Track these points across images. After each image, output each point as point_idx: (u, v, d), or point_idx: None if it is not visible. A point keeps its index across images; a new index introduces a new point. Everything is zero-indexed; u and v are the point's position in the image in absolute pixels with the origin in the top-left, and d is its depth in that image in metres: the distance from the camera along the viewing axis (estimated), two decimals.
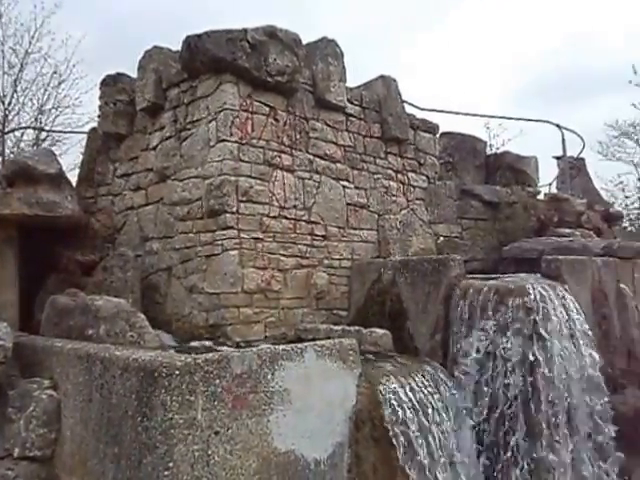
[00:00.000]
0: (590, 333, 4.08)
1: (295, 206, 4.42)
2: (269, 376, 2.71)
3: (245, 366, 2.64)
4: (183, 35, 4.23)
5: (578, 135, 8.91)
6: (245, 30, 4.12)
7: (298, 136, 4.50)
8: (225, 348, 3.55)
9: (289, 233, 4.36)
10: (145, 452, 2.34)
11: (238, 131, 4.10)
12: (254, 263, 4.10)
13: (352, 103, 4.98)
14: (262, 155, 4.23)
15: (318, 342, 3.03)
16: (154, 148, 4.78)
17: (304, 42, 4.58)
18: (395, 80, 5.41)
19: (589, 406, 3.89)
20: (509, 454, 3.51)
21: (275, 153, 4.32)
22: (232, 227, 4.02)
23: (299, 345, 2.92)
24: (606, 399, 4.01)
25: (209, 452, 2.44)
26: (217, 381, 2.51)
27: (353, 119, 4.99)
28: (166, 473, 2.29)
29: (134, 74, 4.97)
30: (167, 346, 3.82)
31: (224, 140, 4.06)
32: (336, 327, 4.03)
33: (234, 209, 4.04)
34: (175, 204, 4.50)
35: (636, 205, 10.85)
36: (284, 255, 4.30)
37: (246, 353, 2.69)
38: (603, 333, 4.59)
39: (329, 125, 4.76)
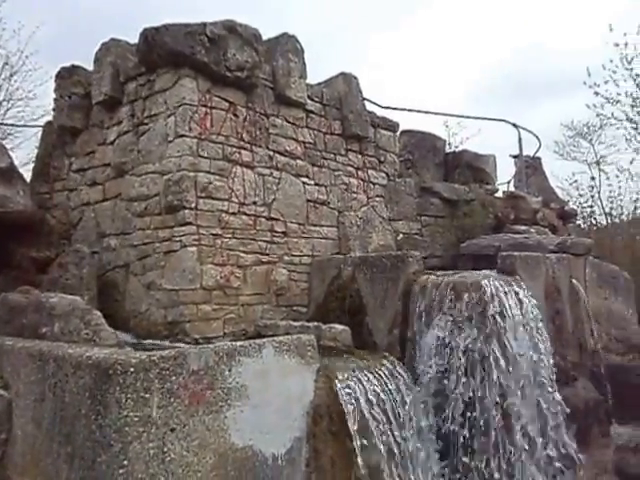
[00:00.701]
0: (543, 327, 4.20)
1: (255, 202, 4.41)
2: (226, 372, 2.70)
3: (202, 362, 2.63)
4: (141, 28, 4.17)
5: (534, 135, 9.15)
6: (204, 24, 4.09)
7: (258, 132, 4.49)
8: (183, 345, 3.52)
9: (249, 229, 4.35)
10: (99, 451, 2.31)
11: (197, 126, 4.07)
12: (213, 259, 4.07)
13: (313, 100, 4.99)
14: (221, 151, 4.21)
15: (276, 338, 3.04)
16: (111, 143, 4.70)
17: (264, 38, 4.57)
18: (356, 77, 5.45)
19: (542, 398, 4.01)
20: (466, 447, 3.59)
21: (235, 149, 4.30)
22: (191, 223, 3.98)
23: (257, 341, 2.92)
24: (558, 391, 4.14)
25: (165, 449, 2.42)
26: (173, 378, 2.50)
27: (314, 116, 5.00)
28: (121, 471, 2.27)
29: (91, 67, 4.86)
30: (124, 343, 3.77)
31: (183, 135, 4.01)
32: (295, 323, 4.04)
33: (193, 205, 4.01)
34: (133, 200, 4.43)
35: (589, 203, 11.18)
36: (244, 251, 4.29)
37: (203, 349, 2.68)
38: (556, 327, 4.73)
39: (289, 122, 4.77)
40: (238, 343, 2.84)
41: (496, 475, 3.49)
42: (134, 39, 4.38)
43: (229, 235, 4.20)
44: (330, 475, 3.03)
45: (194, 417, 2.55)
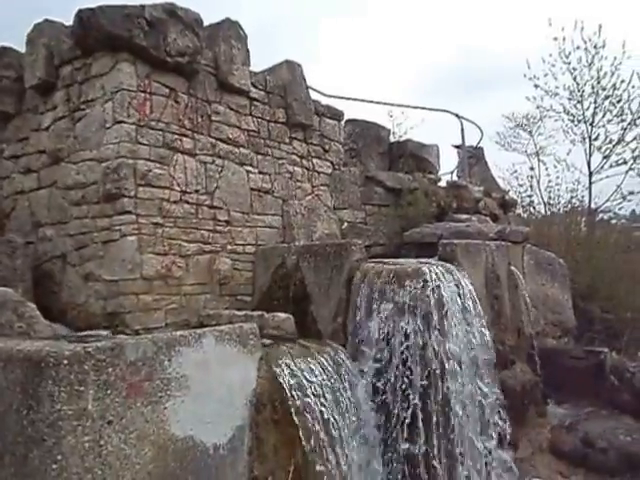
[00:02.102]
0: (483, 312, 4.33)
1: (197, 191, 4.34)
2: (166, 363, 2.67)
3: (140, 353, 2.58)
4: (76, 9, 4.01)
5: (476, 125, 9.36)
6: (143, 7, 3.97)
7: (200, 119, 4.41)
8: (122, 336, 3.45)
9: (191, 218, 4.28)
10: (31, 446, 2.25)
11: (136, 112, 3.95)
12: (154, 249, 3.99)
13: (256, 87, 4.94)
14: (162, 138, 4.11)
15: (217, 327, 3.03)
16: (46, 129, 4.51)
17: (206, 23, 4.48)
18: (300, 65, 5.42)
19: (481, 381, 4.14)
20: (407, 430, 3.66)
21: (176, 136, 4.21)
22: (130, 212, 3.89)
23: (197, 331, 2.90)
24: (497, 374, 4.28)
25: (101, 442, 2.38)
26: (110, 370, 2.45)
27: (257, 103, 4.95)
28: (54, 467, 2.22)
29: (23, 48, 4.64)
30: (60, 336, 3.66)
31: (121, 122, 3.90)
32: (239, 312, 4.01)
33: (132, 193, 3.90)
34: (70, 188, 4.27)
35: (529, 193, 11.55)
36: (186, 240, 4.22)
37: (141, 340, 2.63)
38: (495, 313, 4.89)
39: (232, 109, 4.70)
40: (178, 333, 2.81)
41: (435, 455, 3.58)
42: (70, 20, 4.21)
43: (170, 224, 4.13)
44: (273, 462, 3.05)
45: (132, 409, 2.51)
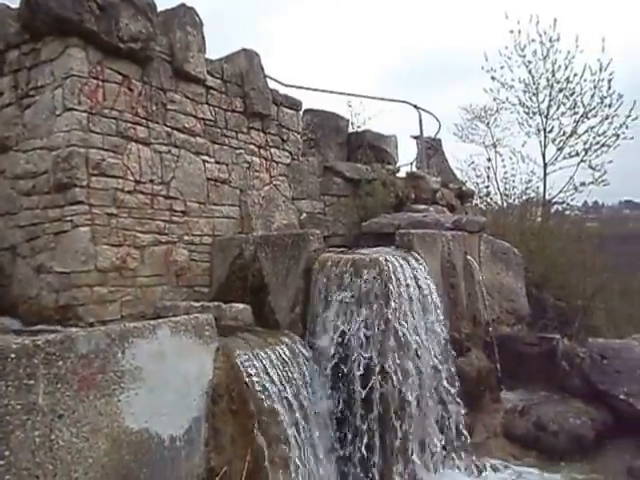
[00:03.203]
0: (439, 301, 4.40)
1: (152, 181, 4.26)
2: (119, 355, 2.63)
3: (92, 346, 2.53)
4: None
5: (434, 116, 9.46)
6: None
7: (155, 108, 4.32)
8: (73, 329, 3.37)
9: (146, 209, 4.20)
10: None
11: (87, 100, 3.84)
12: (108, 240, 3.90)
13: (213, 76, 4.86)
14: (115, 126, 4.01)
15: (173, 318, 2.99)
16: None
17: (161, 9, 4.38)
18: (258, 54, 5.37)
19: (438, 368, 4.22)
20: (364, 421, 3.71)
21: (129, 125, 4.11)
22: (82, 202, 3.79)
23: (152, 322, 2.86)
24: (453, 362, 4.37)
25: (52, 437, 2.33)
26: (60, 363, 2.40)
27: (214, 92, 4.88)
28: (1, 462, 2.16)
29: None
30: (9, 330, 3.55)
31: (72, 109, 3.78)
32: (196, 304, 3.98)
33: (84, 183, 3.80)
34: (19, 177, 4.13)
35: (486, 184, 11.77)
36: (141, 231, 4.14)
37: (93, 332, 2.58)
38: (451, 301, 4.98)
39: (188, 97, 4.62)
40: (132, 324, 2.76)
41: (392, 441, 3.65)
42: (16, 3, 4.06)
43: (125, 214, 4.04)
44: (230, 453, 3.04)
45: (84, 402, 2.47)
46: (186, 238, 4.51)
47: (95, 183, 3.86)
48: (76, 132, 3.79)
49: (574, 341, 6.06)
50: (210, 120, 4.82)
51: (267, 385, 3.21)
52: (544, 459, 4.44)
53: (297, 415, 3.34)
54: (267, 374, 3.25)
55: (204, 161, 4.73)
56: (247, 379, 3.13)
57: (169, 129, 4.43)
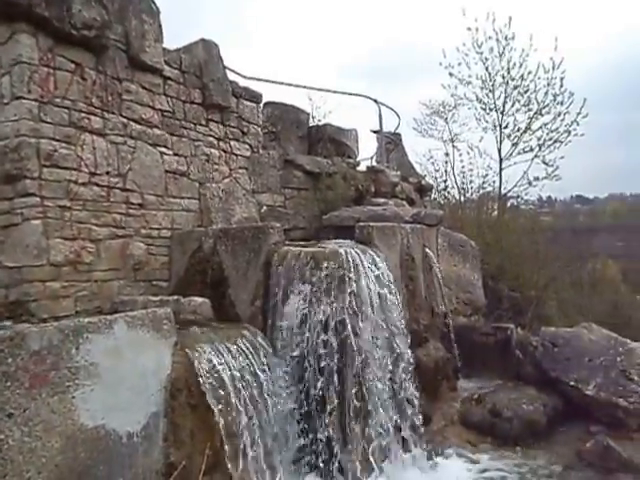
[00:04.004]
0: (398, 293, 4.45)
1: (108, 172, 4.16)
2: (73, 351, 2.57)
3: (44, 342, 2.47)
4: None
5: (394, 111, 9.52)
6: None
7: (110, 97, 4.21)
8: (25, 325, 3.27)
9: (101, 201, 4.09)
10: None
11: (38, 88, 3.71)
12: (61, 233, 3.79)
13: (170, 66, 4.77)
14: (68, 116, 3.89)
15: (129, 313, 2.94)
16: None
17: None
18: (217, 45, 5.29)
19: (397, 359, 4.27)
20: (325, 412, 3.73)
21: (83, 115, 4.00)
22: (33, 194, 3.66)
23: (108, 317, 2.80)
24: (411, 352, 4.43)
25: (1, 437, 2.26)
26: (9, 360, 2.33)
27: (172, 83, 4.78)
28: None
29: None
30: None
31: (20, 97, 3.64)
32: (154, 298, 3.91)
33: (35, 174, 3.68)
34: None
35: (444, 178, 11.96)
36: (96, 224, 4.04)
37: (46, 328, 2.52)
38: (410, 293, 5.05)
39: (145, 88, 4.51)
40: (86, 319, 2.70)
41: (350, 429, 3.68)
42: None
43: (79, 207, 3.93)
44: (189, 448, 3.01)
45: (36, 400, 2.41)
46: (144, 231, 4.43)
47: (47, 175, 3.74)
48: (26, 121, 3.65)
49: (527, 330, 6.24)
50: (168, 111, 4.73)
51: (227, 379, 3.19)
52: (499, 444, 4.57)
53: (258, 408, 3.33)
54: (227, 368, 3.23)
55: (162, 153, 4.64)
56: (206, 373, 3.10)
57: (125, 120, 4.33)
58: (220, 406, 3.10)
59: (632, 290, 9.51)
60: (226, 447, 3.07)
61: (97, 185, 4.07)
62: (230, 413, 3.15)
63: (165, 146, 4.68)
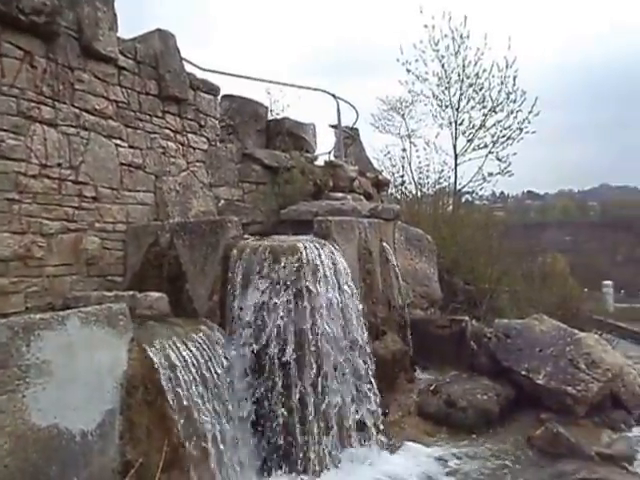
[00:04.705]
0: (355, 287, 4.48)
1: (60, 164, 4.02)
2: (23, 348, 2.49)
3: None
4: None
5: (352, 106, 9.56)
6: None
7: (62, 87, 4.06)
8: None
9: (53, 194, 3.96)
10: None
11: None
12: (9, 227, 3.65)
13: (125, 56, 4.64)
14: (16, 105, 3.74)
15: (83, 309, 2.87)
16: None
17: None
18: (173, 35, 5.18)
19: (354, 352, 4.31)
20: (284, 405, 3.73)
21: (33, 104, 3.85)
22: None
23: (60, 313, 2.73)
24: (369, 345, 4.47)
25: None
26: None
27: (126, 73, 4.66)
28: None
29: None
30: None
31: None
32: (109, 293, 3.81)
33: None
34: None
35: (401, 173, 12.13)
36: (47, 218, 3.91)
37: None
38: (368, 286, 5.10)
39: (98, 78, 4.38)
40: (37, 316, 2.62)
41: (312, 423, 3.70)
42: None
43: (29, 200, 3.79)
44: (146, 445, 2.97)
45: None
46: (98, 225, 4.31)
47: None
48: None
49: (482, 322, 6.40)
50: (123, 102, 4.61)
51: (185, 374, 3.16)
52: (454, 433, 4.68)
53: (215, 404, 3.31)
54: (185, 363, 3.19)
55: (117, 145, 4.52)
56: (163, 370, 3.06)
57: (78, 110, 4.19)
58: (178, 402, 3.06)
59: (579, 283, 9.87)
60: (184, 443, 3.04)
61: (48, 177, 3.94)
62: (188, 409, 3.11)
63: (120, 138, 4.56)
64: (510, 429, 4.80)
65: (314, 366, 3.80)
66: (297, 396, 3.71)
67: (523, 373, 5.10)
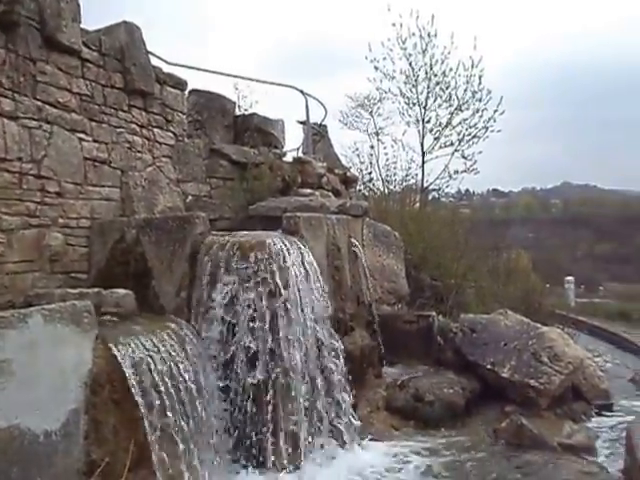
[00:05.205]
0: (324, 283, 4.50)
1: (20, 158, 3.90)
2: None
3: None
4: None
5: (320, 102, 9.55)
6: None
7: (22, 79, 3.94)
8: None
9: (13, 189, 3.84)
10: None
11: None
12: None
13: (89, 48, 4.52)
14: None
15: (46, 306, 2.80)
16: None
17: None
18: (139, 28, 5.08)
19: (323, 348, 4.32)
20: (255, 404, 3.72)
21: None
22: None
23: (22, 311, 2.66)
24: (338, 341, 4.50)
25: None
26: None
27: (90, 65, 4.55)
28: None
29: None
30: None
31: None
32: (73, 290, 3.73)
33: None
34: None
35: (369, 170, 12.22)
36: (7, 214, 3.79)
37: None
38: (336, 283, 5.11)
39: (61, 70, 4.26)
40: None
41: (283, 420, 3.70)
42: None
43: None
44: (112, 444, 2.92)
45: None
46: (61, 221, 4.20)
47: None
48: None
49: (448, 317, 6.51)
50: (87, 95, 4.49)
51: (151, 372, 3.11)
52: (421, 427, 4.77)
53: (185, 401, 3.27)
54: (151, 361, 3.15)
55: (81, 139, 4.41)
56: (130, 367, 3.01)
57: (40, 103, 4.07)
58: (145, 400, 3.02)
59: (541, 278, 10.12)
60: (151, 441, 3.00)
61: (8, 171, 3.81)
62: (156, 407, 3.07)
63: (84, 132, 4.45)
64: (476, 422, 4.90)
65: (282, 361, 3.80)
66: (269, 392, 3.71)
67: (488, 367, 5.21)
